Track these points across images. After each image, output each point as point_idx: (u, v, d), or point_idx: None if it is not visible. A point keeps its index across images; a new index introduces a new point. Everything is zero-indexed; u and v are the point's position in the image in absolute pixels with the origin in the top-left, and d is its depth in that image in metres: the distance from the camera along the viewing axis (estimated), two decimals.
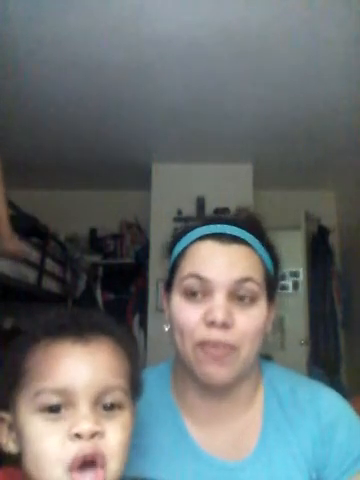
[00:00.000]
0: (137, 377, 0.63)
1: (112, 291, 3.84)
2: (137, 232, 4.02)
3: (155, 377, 0.83)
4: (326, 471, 0.74)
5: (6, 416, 0.58)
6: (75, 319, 0.60)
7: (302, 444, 0.75)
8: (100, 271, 3.85)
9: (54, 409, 0.54)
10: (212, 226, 0.76)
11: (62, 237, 3.73)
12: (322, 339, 3.57)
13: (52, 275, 3.18)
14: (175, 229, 0.87)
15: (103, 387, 0.56)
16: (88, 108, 2.81)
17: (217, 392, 0.75)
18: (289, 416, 0.77)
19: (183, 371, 0.77)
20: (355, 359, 3.66)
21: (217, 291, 0.71)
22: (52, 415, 0.54)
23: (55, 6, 1.95)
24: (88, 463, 0.53)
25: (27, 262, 2.63)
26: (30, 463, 0.54)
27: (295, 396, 0.79)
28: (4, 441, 0.58)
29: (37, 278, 2.84)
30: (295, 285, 4.30)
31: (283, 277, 4.01)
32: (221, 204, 3.29)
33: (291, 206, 3.74)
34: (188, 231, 0.79)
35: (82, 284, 3.71)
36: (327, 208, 4.08)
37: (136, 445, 0.74)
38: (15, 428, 0.56)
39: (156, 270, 3.33)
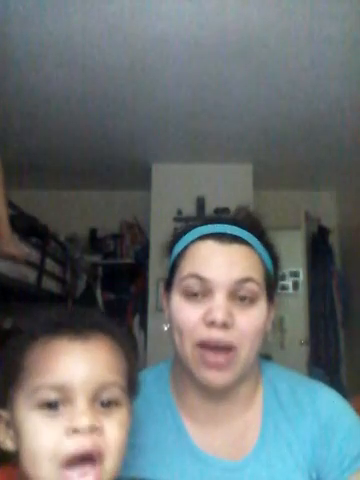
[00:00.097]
0: (134, 375, 0.63)
1: (112, 291, 3.84)
2: (137, 232, 4.02)
3: (154, 377, 0.83)
4: (326, 470, 0.74)
5: (4, 414, 0.58)
6: (73, 317, 0.61)
7: (302, 443, 0.75)
8: (100, 271, 3.85)
9: (52, 405, 0.54)
10: (212, 226, 0.76)
11: (62, 237, 3.73)
12: (322, 339, 3.56)
13: (52, 275, 3.18)
14: (175, 229, 0.87)
15: (101, 383, 0.56)
16: (88, 108, 2.81)
17: (216, 393, 0.75)
18: (289, 415, 0.77)
19: (182, 371, 0.77)
20: (355, 359, 3.66)
21: (217, 291, 0.71)
22: (50, 412, 0.54)
23: (55, 6, 1.95)
24: (84, 460, 0.53)
25: (27, 262, 2.63)
26: (26, 460, 0.54)
27: (295, 396, 0.79)
28: (1, 439, 0.58)
29: (37, 278, 2.84)
30: (295, 285, 4.31)
31: (283, 277, 4.02)
32: (221, 204, 3.29)
33: (291, 206, 3.74)
34: (188, 231, 0.78)
35: (82, 284, 3.71)
36: (327, 208, 4.08)
37: (135, 445, 0.74)
38: (13, 426, 0.57)
39: (156, 270, 3.32)
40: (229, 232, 0.75)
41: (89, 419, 0.53)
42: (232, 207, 0.86)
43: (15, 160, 2.97)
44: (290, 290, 4.33)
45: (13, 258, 2.00)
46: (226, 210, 3.16)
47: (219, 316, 0.68)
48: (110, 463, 0.55)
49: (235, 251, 0.73)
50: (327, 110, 2.78)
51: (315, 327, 3.55)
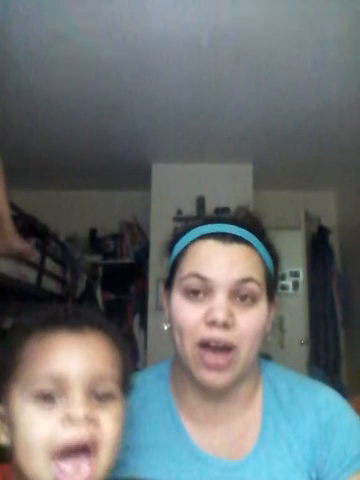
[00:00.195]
0: (129, 372, 0.63)
1: (112, 291, 3.84)
2: (137, 232, 4.02)
3: (154, 377, 0.83)
4: (326, 470, 0.74)
5: None
6: (69, 313, 0.62)
7: (302, 443, 0.75)
8: (100, 271, 3.85)
9: (48, 397, 0.54)
10: (213, 225, 0.76)
11: (62, 237, 3.73)
12: (322, 339, 3.57)
13: (52, 275, 3.18)
14: (175, 229, 0.87)
15: (97, 376, 0.56)
16: (88, 108, 2.81)
17: (216, 393, 0.75)
18: (288, 415, 0.77)
19: (182, 371, 0.77)
20: (355, 359, 3.66)
21: (218, 291, 0.71)
22: (46, 403, 0.54)
23: (55, 6, 1.95)
24: (78, 452, 0.53)
25: (27, 262, 2.63)
26: (21, 453, 0.54)
27: (294, 395, 0.79)
28: None
29: (37, 278, 2.84)
30: (295, 285, 4.30)
31: (283, 277, 4.01)
32: (221, 204, 3.29)
33: (291, 206, 3.73)
34: (189, 230, 0.78)
35: (82, 284, 3.71)
36: (327, 208, 4.08)
37: (134, 445, 0.75)
38: (7, 419, 0.57)
39: (156, 270, 3.33)
40: (230, 232, 0.75)
41: (85, 409, 0.54)
42: (232, 207, 0.86)
43: (15, 160, 2.97)
44: (290, 290, 4.32)
45: (19, 254, 1.99)
46: (226, 210, 3.16)
47: (220, 316, 0.68)
48: (105, 456, 0.55)
49: (236, 251, 0.74)
50: (327, 110, 2.78)
51: (315, 327, 3.55)
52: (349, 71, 2.40)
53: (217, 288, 0.71)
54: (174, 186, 3.59)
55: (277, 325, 4.14)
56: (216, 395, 0.76)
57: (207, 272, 0.71)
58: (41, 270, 2.90)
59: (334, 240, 3.95)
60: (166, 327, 0.78)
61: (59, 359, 0.56)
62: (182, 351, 0.73)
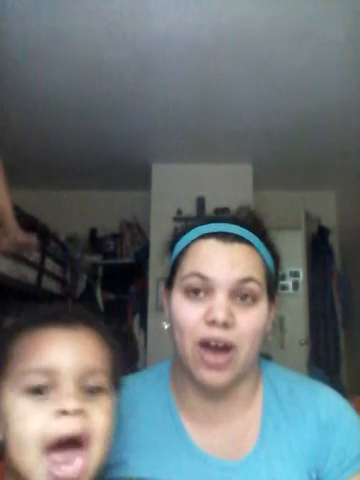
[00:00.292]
0: (119, 368, 0.64)
1: (112, 291, 3.84)
2: (137, 232, 4.02)
3: (154, 376, 0.84)
4: (326, 470, 0.74)
5: None
6: (59, 310, 0.63)
7: (302, 443, 0.75)
8: (100, 271, 3.85)
9: (39, 390, 0.55)
10: (214, 225, 0.77)
11: (62, 237, 3.73)
12: (322, 339, 3.56)
13: (52, 275, 3.18)
14: (175, 229, 0.87)
15: (87, 369, 0.57)
16: (88, 108, 2.81)
17: (216, 393, 0.75)
18: (288, 415, 0.77)
19: (182, 370, 0.77)
20: (355, 359, 3.66)
21: (218, 290, 0.71)
22: (37, 397, 0.54)
23: (54, 3, 1.94)
24: (70, 445, 0.53)
25: (27, 262, 2.63)
26: (13, 447, 0.54)
27: (294, 395, 0.79)
28: None
29: (37, 278, 2.84)
30: (295, 285, 4.31)
31: (283, 277, 4.02)
32: (221, 204, 3.29)
33: (291, 206, 3.73)
34: (190, 229, 0.78)
35: (82, 284, 3.71)
36: (327, 208, 4.08)
37: (134, 444, 0.75)
38: (0, 415, 0.57)
39: (156, 270, 3.33)
40: (231, 231, 0.75)
41: (76, 402, 0.54)
42: (232, 207, 0.86)
43: (15, 160, 2.96)
44: (290, 290, 4.32)
45: (23, 248, 1.97)
46: (226, 210, 3.16)
47: (220, 315, 0.68)
48: (96, 449, 0.55)
49: (237, 250, 0.74)
50: (327, 110, 2.78)
51: (315, 327, 3.55)
52: (349, 71, 2.40)
53: (217, 287, 0.71)
54: (174, 186, 3.59)
55: (277, 325, 4.14)
56: (216, 394, 0.76)
57: (208, 271, 0.71)
58: (41, 270, 2.90)
59: (334, 240, 3.95)
60: (166, 326, 0.78)
61: (50, 353, 0.57)
62: (182, 350, 0.73)
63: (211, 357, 0.70)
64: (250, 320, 0.71)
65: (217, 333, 0.69)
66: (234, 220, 0.78)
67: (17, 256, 2.50)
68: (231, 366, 0.70)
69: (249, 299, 0.72)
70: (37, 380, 0.55)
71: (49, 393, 0.55)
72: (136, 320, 3.65)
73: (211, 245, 0.74)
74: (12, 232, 1.65)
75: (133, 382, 0.82)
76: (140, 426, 0.77)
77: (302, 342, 3.47)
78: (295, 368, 0.88)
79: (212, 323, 0.69)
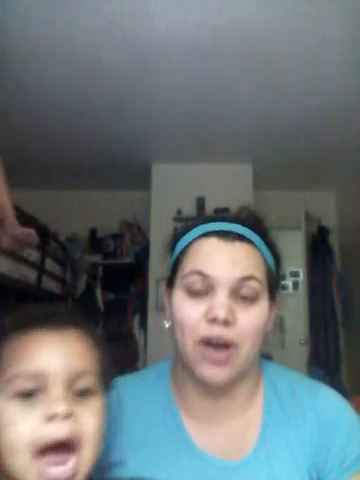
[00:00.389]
0: (107, 370, 0.64)
1: (112, 291, 3.84)
2: (137, 232, 4.02)
3: (155, 376, 0.84)
4: (326, 470, 0.74)
5: None
6: (47, 313, 0.63)
7: (302, 443, 0.75)
8: (100, 271, 3.85)
9: (29, 394, 0.55)
10: (215, 223, 0.77)
11: (62, 237, 3.73)
12: (322, 339, 3.57)
13: (52, 275, 3.18)
14: (175, 229, 0.87)
15: (76, 371, 0.57)
16: (88, 108, 2.81)
17: (216, 391, 0.75)
18: (289, 415, 0.77)
19: (183, 369, 0.77)
20: (355, 359, 3.66)
21: (219, 288, 0.71)
22: (27, 401, 0.54)
23: (54, 4, 1.95)
24: (61, 449, 0.53)
25: (27, 262, 2.63)
26: (4, 452, 0.55)
27: (295, 395, 0.79)
28: None
29: (37, 278, 2.84)
30: (295, 285, 4.31)
31: (283, 277, 4.01)
32: (221, 204, 3.29)
33: (291, 206, 3.73)
34: (191, 228, 0.79)
35: (82, 284, 3.71)
36: (327, 208, 4.08)
37: (135, 443, 0.75)
38: None
39: (156, 270, 3.33)
40: (233, 230, 0.75)
41: (66, 405, 0.54)
42: (232, 207, 0.86)
43: (15, 160, 2.97)
44: (290, 290, 4.33)
45: (24, 243, 1.95)
46: (226, 210, 3.16)
47: (221, 313, 0.69)
48: (87, 452, 0.56)
49: (238, 249, 0.74)
50: (327, 110, 2.78)
51: (315, 327, 3.55)
52: (349, 71, 2.40)
53: (218, 286, 0.71)
54: (174, 186, 3.59)
55: (277, 325, 4.14)
56: (216, 393, 0.76)
57: (209, 270, 0.72)
58: (41, 270, 2.90)
59: (334, 240, 3.95)
60: (167, 325, 0.78)
61: (39, 357, 0.57)
62: (183, 349, 0.73)
63: (212, 354, 0.70)
64: (251, 318, 0.71)
65: (218, 331, 0.69)
66: (235, 219, 0.78)
67: (17, 256, 2.50)
68: (231, 363, 0.70)
69: (250, 297, 0.72)
70: (27, 385, 0.55)
71: (39, 396, 0.55)
72: (136, 320, 3.65)
73: (212, 244, 0.74)
74: (12, 227, 1.65)
75: (133, 381, 0.82)
76: (140, 425, 0.77)
77: (302, 342, 3.47)
78: (295, 368, 0.88)
79: (213, 321, 0.69)
